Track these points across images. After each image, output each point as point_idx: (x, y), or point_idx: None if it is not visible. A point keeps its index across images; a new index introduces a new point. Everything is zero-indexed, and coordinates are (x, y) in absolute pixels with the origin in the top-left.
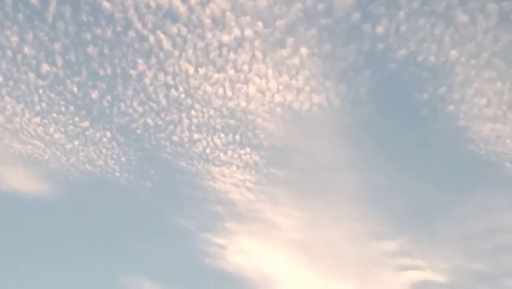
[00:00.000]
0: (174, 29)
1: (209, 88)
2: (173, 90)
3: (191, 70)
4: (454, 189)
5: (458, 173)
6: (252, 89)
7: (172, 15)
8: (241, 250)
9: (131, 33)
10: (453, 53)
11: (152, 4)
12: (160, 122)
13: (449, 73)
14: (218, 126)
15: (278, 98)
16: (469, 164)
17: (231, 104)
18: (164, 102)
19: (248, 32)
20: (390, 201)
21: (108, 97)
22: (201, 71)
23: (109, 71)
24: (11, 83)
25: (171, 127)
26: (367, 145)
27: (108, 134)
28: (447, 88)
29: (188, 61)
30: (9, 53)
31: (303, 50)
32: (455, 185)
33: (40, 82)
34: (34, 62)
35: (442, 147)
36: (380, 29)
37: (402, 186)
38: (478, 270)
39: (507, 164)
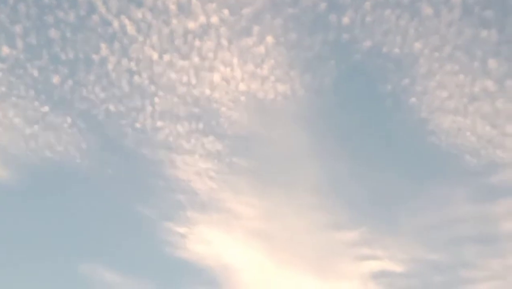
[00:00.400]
0: (138, 14)
1: (173, 75)
2: (136, 76)
3: (155, 56)
4: (414, 181)
5: (419, 164)
6: (216, 77)
7: (137, 0)
8: (202, 239)
9: (95, 17)
10: (417, 45)
11: None
12: (122, 109)
13: (412, 65)
14: (182, 114)
15: (242, 86)
16: (429, 156)
17: (195, 92)
18: (127, 88)
19: (214, 20)
20: (350, 191)
21: (70, 82)
22: (166, 57)
23: (71, 55)
24: None
25: (133, 114)
26: (330, 135)
27: (69, 119)
28: (410, 80)
29: (153, 47)
30: None
31: (269, 39)
32: (415, 176)
33: (0, 65)
34: None
35: (404, 138)
36: (345, 20)
37: (363, 177)
38: (436, 261)
39: (467, 157)
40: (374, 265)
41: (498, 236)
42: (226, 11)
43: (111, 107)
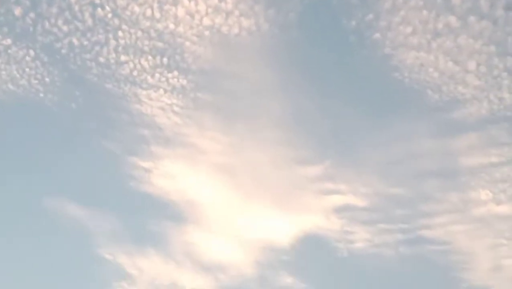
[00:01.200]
0: None
1: (137, 9)
2: (99, 10)
3: None
4: (377, 115)
5: (382, 99)
6: (180, 11)
7: None
8: (167, 174)
9: None
10: None
11: None
12: (86, 43)
13: (377, 0)
14: (146, 48)
15: (206, 21)
16: (392, 91)
17: (159, 26)
18: (90, 21)
19: None
20: (315, 126)
21: (32, 14)
22: None
23: None
24: None
25: (97, 48)
26: (294, 70)
27: (32, 53)
28: (374, 15)
29: None
30: None
31: None
32: (378, 111)
33: None
34: None
35: (368, 74)
36: None
37: (327, 112)
38: (397, 195)
39: (429, 92)
40: (337, 199)
41: (457, 171)
42: None
43: (74, 41)
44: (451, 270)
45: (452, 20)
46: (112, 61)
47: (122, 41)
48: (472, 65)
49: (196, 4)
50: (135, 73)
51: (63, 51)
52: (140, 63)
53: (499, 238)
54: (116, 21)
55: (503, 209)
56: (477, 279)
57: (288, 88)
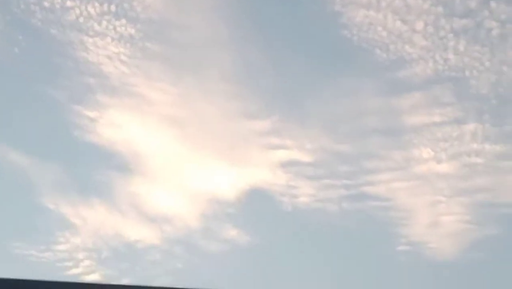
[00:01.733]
0: None
1: None
2: None
3: None
4: (325, 72)
5: (330, 56)
6: None
7: None
8: (113, 124)
9: None
10: None
11: None
12: None
13: None
14: None
15: None
16: (341, 49)
17: None
18: None
19: None
20: (264, 80)
21: None
22: None
23: None
24: None
25: None
26: (244, 24)
27: None
28: None
29: None
30: None
31: None
32: (327, 68)
33: None
34: None
35: (317, 30)
36: None
37: (277, 66)
38: (342, 151)
39: (377, 51)
40: (283, 154)
41: (401, 129)
42: None
43: None
44: (391, 226)
45: None
46: (58, 6)
47: None
48: (419, 25)
49: None
50: (81, 19)
51: None
52: (86, 9)
53: (438, 196)
54: None
55: (443, 167)
56: (415, 234)
57: (238, 41)
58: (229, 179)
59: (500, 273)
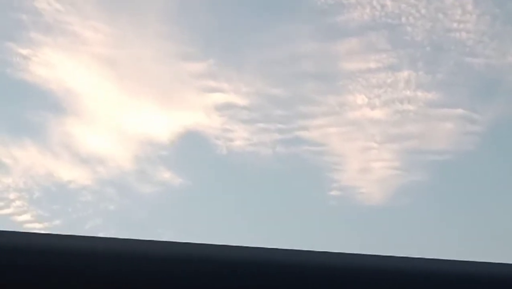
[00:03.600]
0: None
1: None
2: None
3: None
4: (262, 17)
5: (268, 0)
6: None
7: None
8: (46, 62)
9: None
10: None
11: None
12: None
13: None
14: None
15: None
16: None
17: None
18: None
19: None
20: (200, 22)
21: None
22: None
23: None
24: None
25: None
26: None
27: None
28: None
29: None
30: None
31: None
32: (264, 11)
33: None
34: None
35: None
36: None
37: (213, 8)
38: (277, 95)
39: None
40: (219, 98)
41: (336, 74)
42: None
43: None
44: (324, 171)
45: None
46: None
47: None
48: None
49: None
50: None
51: None
52: None
53: (370, 142)
54: None
55: (376, 113)
56: (347, 180)
57: None
58: (163, 122)
59: (424, 217)
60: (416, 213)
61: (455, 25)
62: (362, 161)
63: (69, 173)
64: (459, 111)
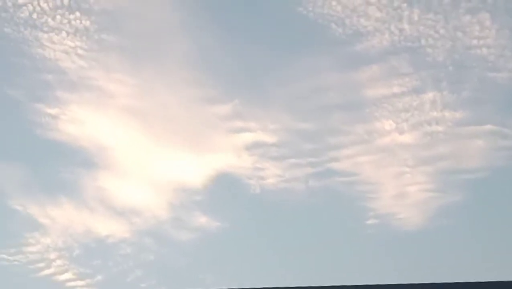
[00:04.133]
0: None
1: None
2: None
3: None
4: (283, 51)
5: (287, 35)
6: None
7: None
8: (74, 120)
9: None
10: None
11: None
12: None
13: None
14: None
15: None
16: (297, 26)
17: None
18: None
19: None
20: (222, 64)
21: None
22: None
23: None
24: None
25: None
26: (197, 9)
27: None
28: None
29: None
30: None
31: None
32: (284, 47)
33: None
34: None
35: (272, 9)
36: None
37: (233, 49)
38: (305, 129)
39: (333, 26)
40: (247, 137)
41: (362, 102)
42: None
43: None
44: (359, 200)
45: None
46: (10, 3)
47: None
48: None
49: None
50: (34, 15)
51: None
52: (39, 5)
53: (402, 166)
54: None
55: (405, 138)
56: (383, 207)
57: (193, 27)
58: (194, 166)
59: (466, 237)
60: (457, 234)
61: (475, 42)
62: (397, 187)
63: (106, 227)
64: (488, 127)
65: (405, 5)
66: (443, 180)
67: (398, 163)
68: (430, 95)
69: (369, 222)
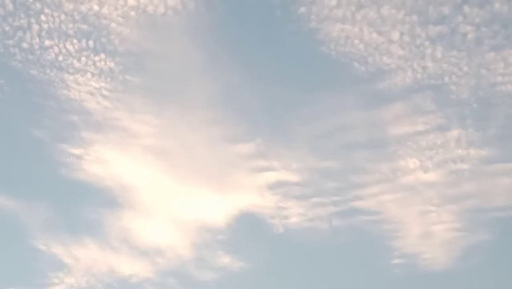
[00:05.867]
0: None
1: None
2: None
3: None
4: (306, 90)
5: (309, 74)
6: None
7: None
8: (99, 160)
9: None
10: None
11: None
12: (7, 28)
13: None
14: (70, 32)
15: (131, 1)
16: (319, 65)
17: (83, 8)
18: (11, 6)
19: None
20: (244, 104)
21: None
22: None
23: None
24: None
25: (20, 33)
26: (221, 48)
27: None
28: None
29: None
30: None
31: None
32: (306, 86)
33: None
34: None
35: (294, 48)
36: None
37: (256, 88)
38: (328, 168)
39: (356, 64)
40: (270, 176)
41: (385, 141)
42: None
43: None
44: (383, 239)
45: None
46: (36, 46)
47: (45, 25)
48: (395, 35)
49: None
50: (60, 57)
51: None
52: (65, 47)
53: (427, 205)
54: (38, 4)
55: (430, 176)
56: (408, 246)
57: (216, 67)
58: (218, 206)
59: (495, 277)
60: (485, 274)
61: (499, 78)
62: (422, 226)
63: (130, 266)
64: None
65: (427, 42)
66: (470, 219)
67: (423, 202)
68: (454, 132)
69: (395, 261)
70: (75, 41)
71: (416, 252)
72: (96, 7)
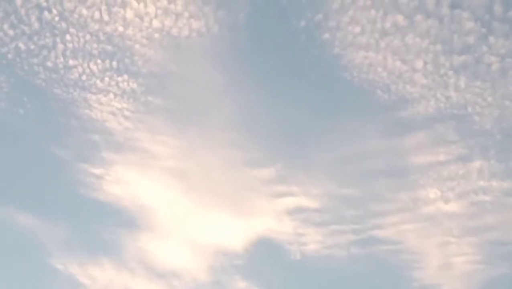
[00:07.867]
0: None
1: (84, 11)
2: (46, 13)
3: None
4: (327, 116)
5: (332, 100)
6: (129, 14)
7: None
8: (118, 180)
9: None
10: None
11: None
12: (32, 47)
13: (325, 0)
14: (95, 52)
15: (156, 23)
16: (342, 92)
17: (108, 28)
18: (36, 25)
19: None
20: (265, 128)
21: None
22: None
23: None
24: None
25: (44, 52)
26: (244, 72)
27: None
28: (323, 16)
29: None
30: None
31: None
32: (328, 112)
33: None
34: None
35: (317, 74)
36: None
37: (278, 113)
38: (348, 195)
39: (378, 92)
40: (289, 202)
41: (407, 170)
42: None
43: (21, 45)
44: (402, 269)
45: (399, 19)
46: (60, 65)
47: (70, 45)
48: (419, 64)
49: (145, 6)
50: (84, 77)
51: (10, 56)
52: (89, 67)
53: (447, 236)
54: (64, 24)
55: (451, 207)
56: (427, 277)
57: (238, 90)
58: (236, 230)
59: None
60: None
61: None
62: (442, 257)
63: (146, 288)
64: None
65: (451, 72)
66: (490, 252)
67: (443, 233)
68: (477, 164)
69: None
70: (99, 61)
71: (435, 283)
72: (120, 28)
